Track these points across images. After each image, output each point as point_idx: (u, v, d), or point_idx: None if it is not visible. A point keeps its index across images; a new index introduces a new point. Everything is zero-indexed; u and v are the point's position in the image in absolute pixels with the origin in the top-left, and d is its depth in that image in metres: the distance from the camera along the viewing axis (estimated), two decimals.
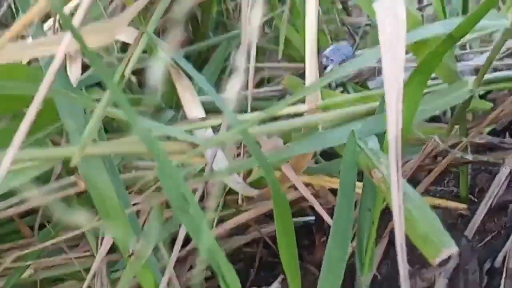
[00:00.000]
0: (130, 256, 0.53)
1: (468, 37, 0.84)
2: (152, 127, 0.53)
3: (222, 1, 1.03)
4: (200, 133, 0.61)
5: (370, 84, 1.00)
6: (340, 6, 1.21)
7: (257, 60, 1.05)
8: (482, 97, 0.81)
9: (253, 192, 0.67)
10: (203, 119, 0.64)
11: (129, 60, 0.47)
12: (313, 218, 0.81)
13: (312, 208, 0.81)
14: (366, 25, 1.13)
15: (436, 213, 0.69)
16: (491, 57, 0.55)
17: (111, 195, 0.52)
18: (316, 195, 0.78)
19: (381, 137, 0.58)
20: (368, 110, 0.61)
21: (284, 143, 0.61)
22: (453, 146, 0.68)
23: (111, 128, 0.77)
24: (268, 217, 0.78)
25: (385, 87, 0.43)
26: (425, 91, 0.58)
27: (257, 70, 1.02)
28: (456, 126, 0.67)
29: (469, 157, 0.62)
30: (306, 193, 0.62)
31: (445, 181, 0.73)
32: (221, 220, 0.74)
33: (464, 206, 0.66)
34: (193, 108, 0.69)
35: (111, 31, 0.46)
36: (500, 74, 0.69)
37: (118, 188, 0.55)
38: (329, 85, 0.90)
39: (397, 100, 0.42)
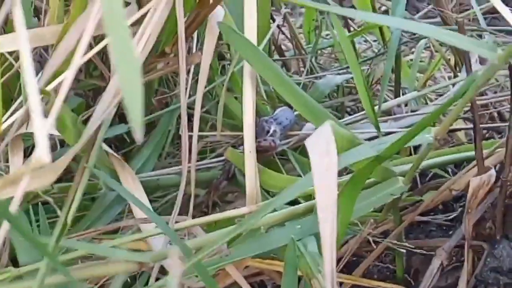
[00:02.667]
0: None
1: None
2: (98, 251, 0.55)
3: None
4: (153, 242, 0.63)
5: None
6: None
7: (198, 129, 1.08)
8: None
9: (199, 285, 0.70)
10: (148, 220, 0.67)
11: (71, 204, 0.49)
12: None
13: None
14: (304, 84, 1.16)
15: None
16: (417, 163, 0.59)
17: None
18: (261, 273, 0.81)
19: (319, 236, 0.62)
20: (307, 207, 0.64)
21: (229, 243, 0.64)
22: (390, 230, 0.72)
23: None
24: None
25: (319, 222, 0.46)
26: None
27: (199, 138, 1.04)
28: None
29: (401, 248, 0.66)
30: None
31: (383, 255, 0.77)
32: None
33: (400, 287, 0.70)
34: (136, 193, 0.72)
35: (53, 173, 0.47)
36: (431, 162, 0.74)
37: None
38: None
39: (331, 237, 0.45)
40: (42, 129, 0.35)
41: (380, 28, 1.33)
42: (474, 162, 0.65)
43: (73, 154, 0.48)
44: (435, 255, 0.64)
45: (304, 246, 0.60)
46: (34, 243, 0.40)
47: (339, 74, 1.25)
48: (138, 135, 0.33)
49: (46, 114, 0.49)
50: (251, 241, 0.62)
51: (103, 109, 0.53)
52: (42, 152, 0.35)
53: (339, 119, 1.15)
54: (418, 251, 0.66)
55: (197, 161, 0.99)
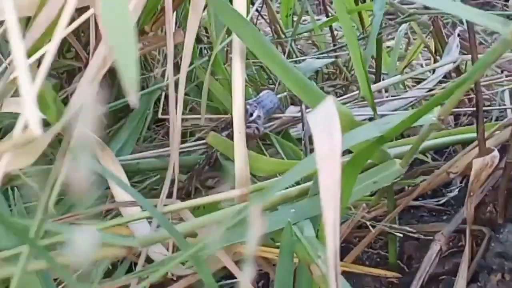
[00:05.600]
0: None
1: None
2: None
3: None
4: (136, 226, 0.59)
5: (292, 131, 1.01)
6: None
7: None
8: None
9: (185, 272, 0.67)
10: (132, 203, 0.64)
11: (53, 186, 0.45)
12: None
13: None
14: None
15: (367, 280, 0.71)
16: (417, 144, 0.56)
17: None
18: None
19: (315, 220, 0.59)
20: (300, 191, 0.61)
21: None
22: (382, 215, 0.70)
23: None
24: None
25: (322, 205, 0.43)
26: None
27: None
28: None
29: (397, 232, 0.63)
30: (238, 273, 0.63)
31: (372, 241, 0.74)
32: None
33: (394, 274, 0.68)
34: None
35: (35, 152, 0.44)
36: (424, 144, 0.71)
37: None
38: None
39: (335, 219, 0.42)
40: (31, 100, 0.32)
41: (359, 14, 1.31)
42: (472, 145, 0.63)
43: (55, 131, 0.45)
44: (434, 240, 0.62)
45: (300, 230, 0.57)
46: (12, 228, 0.36)
47: (318, 58, 1.23)
48: (133, 98, 0.30)
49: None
50: (243, 225, 0.59)
51: (88, 82, 0.50)
52: (32, 124, 0.31)
53: None
54: (416, 235, 0.64)
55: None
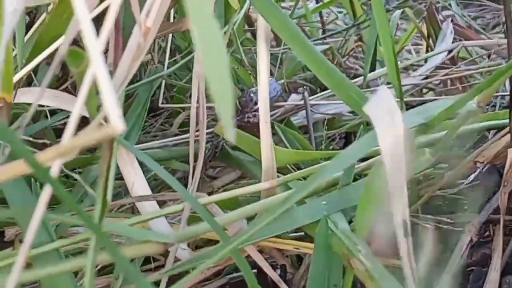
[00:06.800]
0: None
1: None
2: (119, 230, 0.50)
3: None
4: (157, 224, 0.57)
5: (293, 119, 1.00)
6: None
7: (180, 100, 1.03)
8: None
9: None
10: (152, 196, 0.62)
11: (107, 179, 0.43)
12: None
13: None
14: (283, 53, 1.12)
15: (393, 272, 0.70)
16: (451, 132, 0.55)
17: None
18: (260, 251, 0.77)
19: (345, 212, 0.58)
20: (329, 183, 0.60)
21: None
22: None
23: None
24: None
25: (391, 199, 0.42)
26: None
27: (181, 111, 0.99)
28: None
29: (426, 223, 0.63)
30: (270, 270, 0.61)
31: None
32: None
33: None
34: (131, 168, 0.66)
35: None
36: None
37: None
38: None
39: (403, 212, 0.41)
40: (112, 93, 0.30)
41: (351, 1, 1.30)
42: (500, 134, 0.62)
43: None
44: (464, 231, 0.61)
45: (334, 225, 0.56)
46: (80, 214, 0.34)
47: (315, 45, 1.21)
48: (230, 134, 0.29)
49: None
50: (275, 220, 0.57)
51: (123, 75, 0.47)
52: (115, 120, 0.29)
53: (313, 92, 1.12)
54: (446, 227, 0.63)
55: (178, 134, 0.94)
